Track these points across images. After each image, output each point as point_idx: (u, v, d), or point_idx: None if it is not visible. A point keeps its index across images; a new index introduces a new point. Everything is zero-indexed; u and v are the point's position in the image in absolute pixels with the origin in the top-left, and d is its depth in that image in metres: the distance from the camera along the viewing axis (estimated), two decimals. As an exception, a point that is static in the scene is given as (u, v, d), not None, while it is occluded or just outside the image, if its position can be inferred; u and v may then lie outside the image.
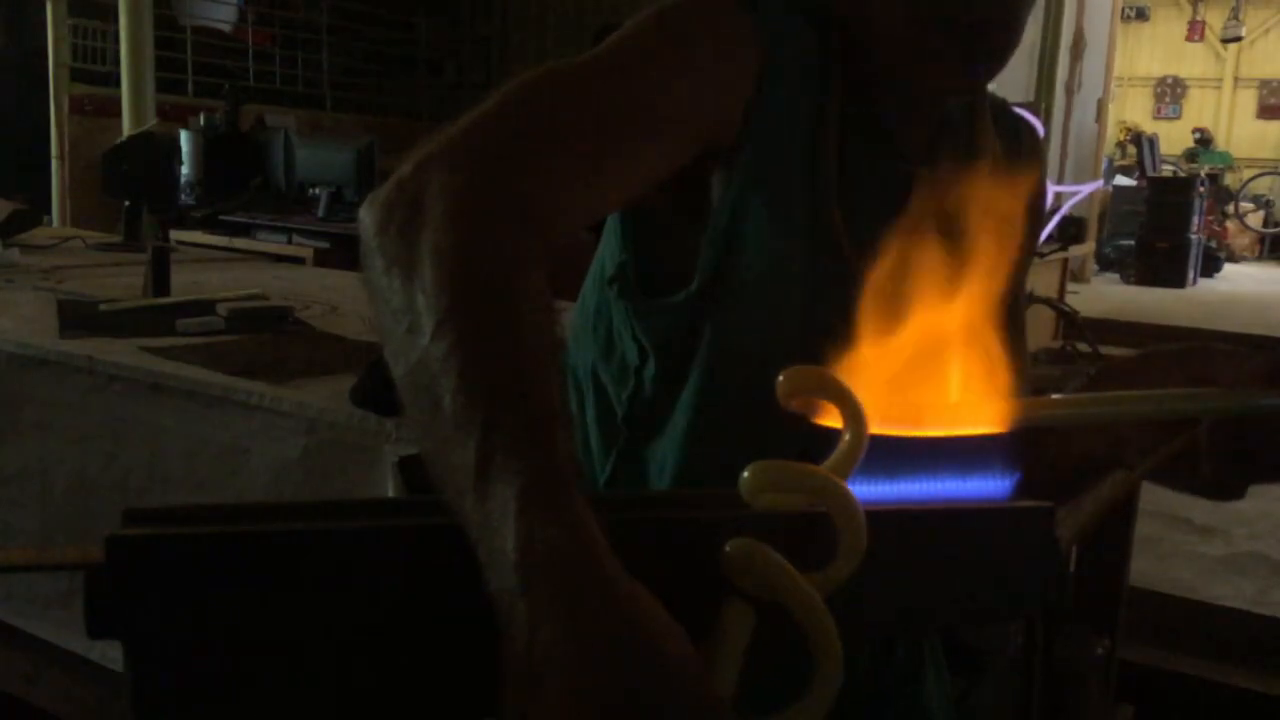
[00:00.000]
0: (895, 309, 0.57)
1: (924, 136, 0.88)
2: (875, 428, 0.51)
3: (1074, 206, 6.62)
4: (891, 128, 0.87)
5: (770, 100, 0.81)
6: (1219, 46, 12.83)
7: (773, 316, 0.82)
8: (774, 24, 0.81)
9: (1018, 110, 1.01)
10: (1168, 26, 13.65)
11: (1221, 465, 0.68)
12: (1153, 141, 10.39)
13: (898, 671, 0.92)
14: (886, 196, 0.85)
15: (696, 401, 0.84)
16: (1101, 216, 8.52)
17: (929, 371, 0.55)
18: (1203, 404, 0.64)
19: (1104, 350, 2.41)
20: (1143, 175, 9.51)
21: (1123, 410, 0.64)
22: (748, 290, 0.81)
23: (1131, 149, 10.68)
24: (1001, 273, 0.60)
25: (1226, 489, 0.70)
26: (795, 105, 0.82)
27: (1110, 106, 9.33)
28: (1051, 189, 5.33)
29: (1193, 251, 8.00)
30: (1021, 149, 0.96)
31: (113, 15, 5.32)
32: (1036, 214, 0.99)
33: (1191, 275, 8.02)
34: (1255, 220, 11.40)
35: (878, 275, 0.66)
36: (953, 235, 0.81)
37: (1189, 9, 13.26)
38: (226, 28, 6.97)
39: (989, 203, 0.75)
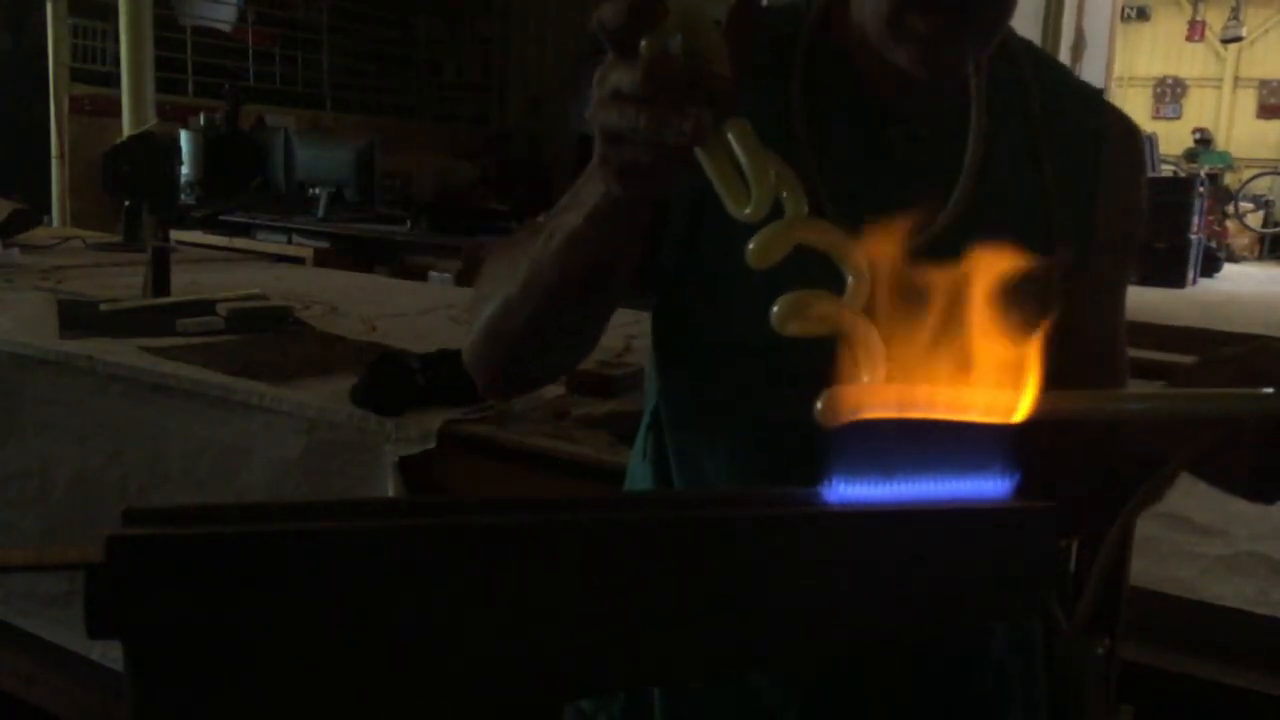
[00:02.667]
0: (892, 290, 0.56)
1: (923, 104, 0.85)
2: (881, 411, 0.51)
3: (1074, 206, 6.60)
4: (878, 96, 0.86)
5: None
6: (1219, 46, 12.81)
7: (750, 308, 0.83)
8: None
9: (1101, 97, 0.93)
10: (1168, 26, 13.63)
11: (1262, 466, 0.65)
12: (1152, 141, 10.38)
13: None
14: (879, 169, 0.85)
15: (687, 394, 0.88)
16: (1101, 216, 8.50)
17: (931, 355, 0.54)
18: (1236, 404, 0.61)
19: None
20: (1143, 175, 9.49)
21: (1152, 407, 0.62)
22: (718, 285, 0.84)
23: (1131, 149, 10.67)
24: (1025, 254, 0.59)
25: (1264, 492, 0.68)
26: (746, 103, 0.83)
27: (1110, 106, 9.27)
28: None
29: (1193, 251, 7.98)
30: (1085, 132, 0.89)
31: (113, 15, 5.32)
32: (1124, 206, 0.89)
33: (1191, 275, 8.00)
34: (1255, 220, 11.39)
35: (872, 254, 0.67)
36: (963, 209, 0.81)
37: (1189, 9, 13.25)
38: (226, 28, 6.97)
39: (1004, 176, 0.75)
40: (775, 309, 0.53)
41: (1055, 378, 0.85)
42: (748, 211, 0.53)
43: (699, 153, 0.55)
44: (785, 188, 0.53)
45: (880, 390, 0.51)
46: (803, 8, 0.89)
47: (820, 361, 0.53)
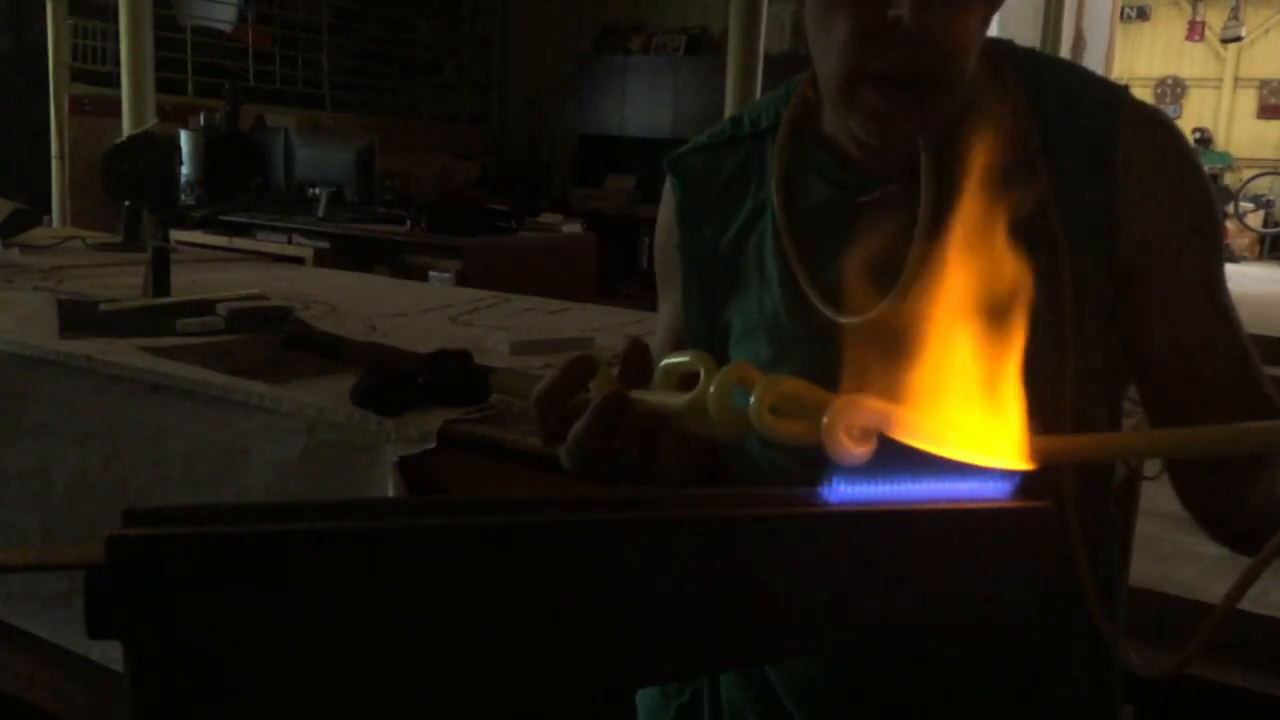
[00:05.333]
0: (893, 337, 0.55)
1: (897, 158, 0.85)
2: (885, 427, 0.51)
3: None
4: (856, 160, 0.87)
5: (686, 232, 0.94)
6: (1219, 46, 12.80)
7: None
8: (680, 169, 0.95)
9: (1119, 92, 0.86)
10: (1168, 26, 13.62)
11: None
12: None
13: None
14: (858, 231, 0.86)
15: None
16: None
17: (929, 396, 0.53)
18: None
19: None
20: (1143, 175, 9.47)
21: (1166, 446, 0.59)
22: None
23: (1131, 149, 10.65)
24: (1037, 285, 0.57)
25: None
26: (711, 220, 0.93)
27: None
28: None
29: (1193, 251, 7.98)
30: (1098, 133, 0.84)
31: (113, 15, 5.32)
32: (1157, 203, 0.84)
33: (1191, 275, 8.00)
34: (1255, 220, 11.39)
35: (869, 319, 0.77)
36: (921, 265, 0.81)
37: (1189, 9, 13.23)
38: (226, 28, 6.97)
39: (994, 211, 0.74)
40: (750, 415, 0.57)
41: (1182, 390, 0.85)
42: (686, 400, 0.61)
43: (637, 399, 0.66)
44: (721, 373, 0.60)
45: (888, 409, 0.51)
46: (782, 96, 0.95)
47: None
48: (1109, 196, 0.83)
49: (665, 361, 0.65)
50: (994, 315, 0.54)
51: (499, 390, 0.72)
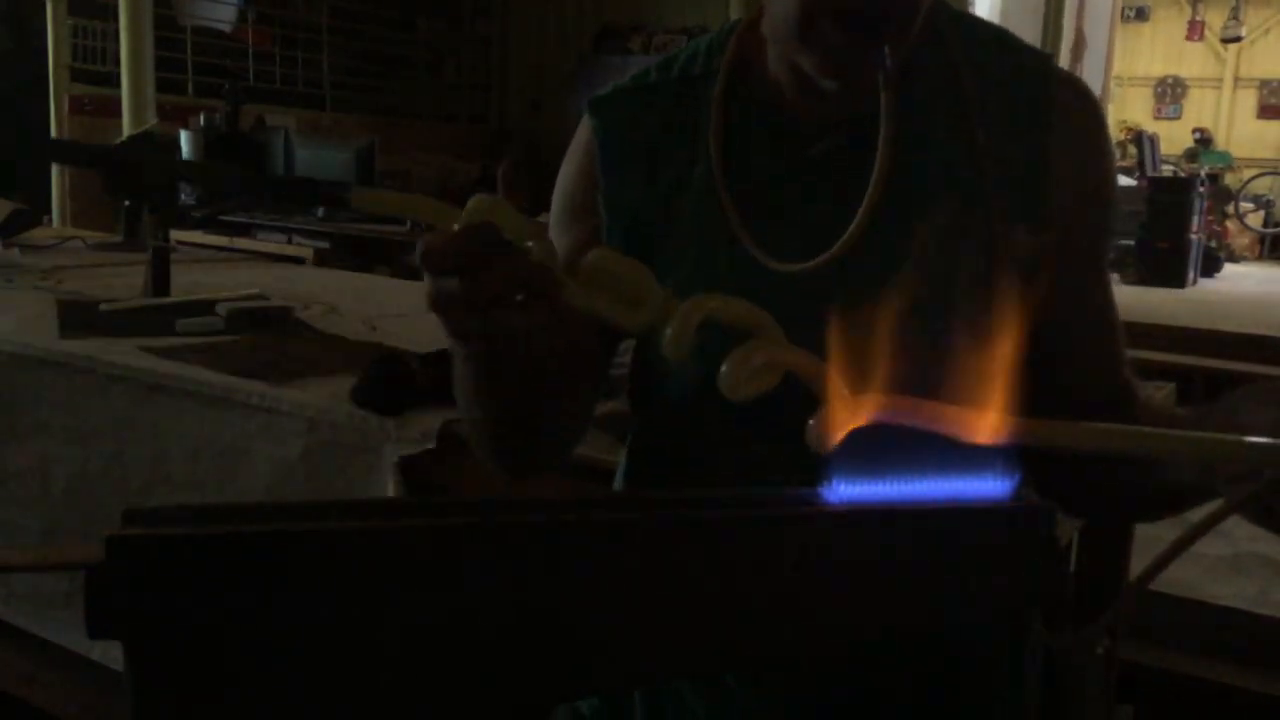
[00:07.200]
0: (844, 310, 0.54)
1: (844, 111, 0.84)
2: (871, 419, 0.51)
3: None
4: (797, 113, 0.86)
5: (611, 179, 0.89)
6: (1219, 46, 12.80)
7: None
8: (601, 112, 0.90)
9: (1050, 64, 0.88)
10: (1168, 26, 13.61)
11: None
12: (1153, 141, 10.37)
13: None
14: (803, 187, 0.85)
15: (661, 438, 0.94)
16: (1101, 216, 8.46)
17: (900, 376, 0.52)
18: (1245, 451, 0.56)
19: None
20: (1143, 175, 9.48)
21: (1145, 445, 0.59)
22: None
23: (1131, 149, 10.65)
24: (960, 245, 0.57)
25: None
26: (638, 167, 0.88)
27: (1110, 106, 9.30)
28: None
29: (1193, 251, 7.97)
30: (1032, 102, 0.85)
31: (113, 15, 5.32)
32: (1083, 177, 0.86)
33: (1191, 275, 7.99)
34: (1255, 220, 11.37)
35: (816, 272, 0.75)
36: (872, 218, 0.80)
37: (1189, 9, 13.23)
38: (226, 28, 6.97)
39: (935, 168, 0.73)
40: (721, 380, 0.55)
41: (1051, 360, 0.85)
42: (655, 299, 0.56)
43: (572, 294, 0.56)
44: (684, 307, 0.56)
45: (867, 401, 0.51)
46: (713, 42, 0.90)
47: (789, 408, 0.53)
48: (1042, 169, 0.84)
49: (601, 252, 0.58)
50: (946, 275, 0.54)
51: (359, 205, 0.60)
